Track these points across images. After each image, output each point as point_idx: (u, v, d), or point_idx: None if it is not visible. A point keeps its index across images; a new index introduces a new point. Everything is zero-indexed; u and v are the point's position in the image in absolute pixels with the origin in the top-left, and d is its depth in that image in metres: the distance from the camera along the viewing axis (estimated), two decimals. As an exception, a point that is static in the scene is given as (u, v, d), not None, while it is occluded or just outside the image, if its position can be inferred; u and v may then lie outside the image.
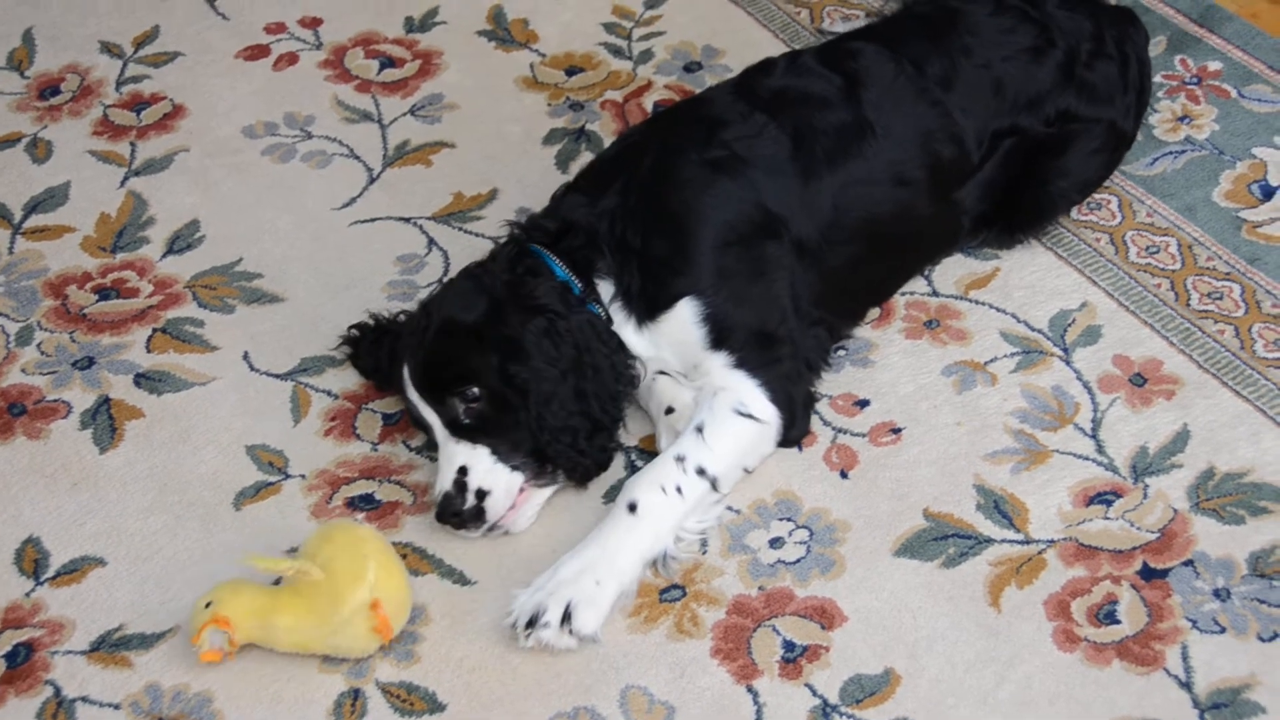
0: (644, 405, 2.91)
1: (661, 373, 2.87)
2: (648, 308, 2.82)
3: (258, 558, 2.57)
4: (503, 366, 2.70)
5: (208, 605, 2.55)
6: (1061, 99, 3.11)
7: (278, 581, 2.60)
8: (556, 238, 2.85)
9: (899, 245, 3.06)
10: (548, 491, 2.76)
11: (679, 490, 2.69)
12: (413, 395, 2.75)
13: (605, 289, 2.84)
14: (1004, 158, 3.08)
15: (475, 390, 2.69)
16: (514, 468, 2.71)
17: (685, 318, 2.79)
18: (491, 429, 2.70)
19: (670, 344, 2.83)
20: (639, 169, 2.88)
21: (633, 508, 2.67)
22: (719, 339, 2.79)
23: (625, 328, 2.84)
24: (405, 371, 2.76)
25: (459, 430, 2.71)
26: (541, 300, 2.74)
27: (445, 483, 2.70)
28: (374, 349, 2.95)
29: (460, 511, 2.67)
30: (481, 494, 2.68)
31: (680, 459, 2.72)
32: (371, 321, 2.99)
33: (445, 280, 3.00)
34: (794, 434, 2.84)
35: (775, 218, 2.85)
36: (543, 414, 2.70)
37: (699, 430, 2.75)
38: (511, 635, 2.58)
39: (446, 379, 2.71)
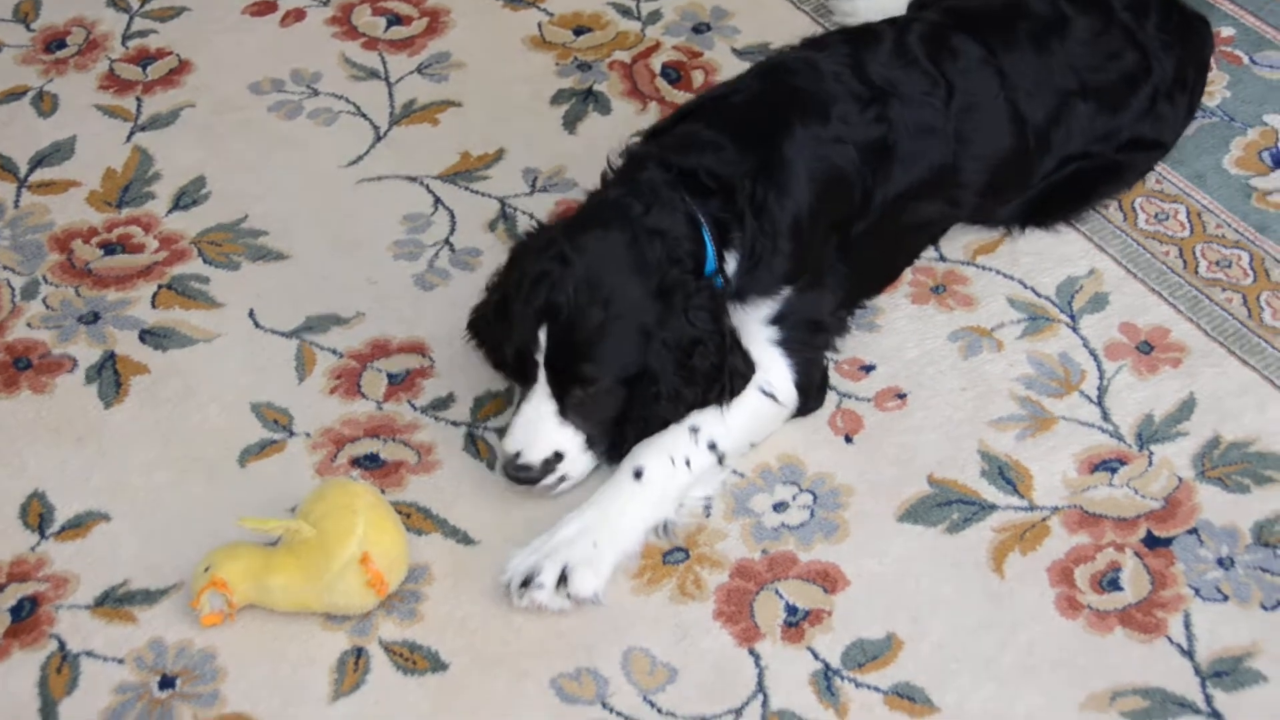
0: None
1: None
2: (762, 288, 2.74)
3: (250, 518, 2.57)
4: (648, 369, 2.62)
5: (206, 569, 2.56)
6: (1138, 128, 3.09)
7: (277, 542, 2.61)
8: (707, 194, 2.71)
9: (927, 243, 3.09)
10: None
11: (687, 463, 2.69)
12: (539, 356, 2.61)
13: (731, 264, 2.74)
14: (1064, 182, 3.06)
15: (606, 383, 2.62)
16: (592, 455, 2.68)
17: (778, 300, 2.77)
18: (593, 416, 2.65)
19: (741, 319, 2.77)
20: (771, 138, 2.78)
21: (638, 474, 2.66)
22: (779, 318, 2.78)
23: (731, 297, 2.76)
24: (543, 332, 2.59)
25: (566, 410, 2.63)
26: (706, 319, 2.63)
27: (534, 456, 2.63)
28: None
29: (535, 482, 2.65)
30: (563, 480, 2.67)
31: (694, 430, 2.71)
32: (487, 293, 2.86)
33: (598, 220, 2.69)
34: (805, 412, 2.84)
35: (853, 211, 2.84)
36: (648, 418, 2.67)
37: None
38: (506, 594, 2.58)
39: (589, 374, 2.60)
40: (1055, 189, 3.08)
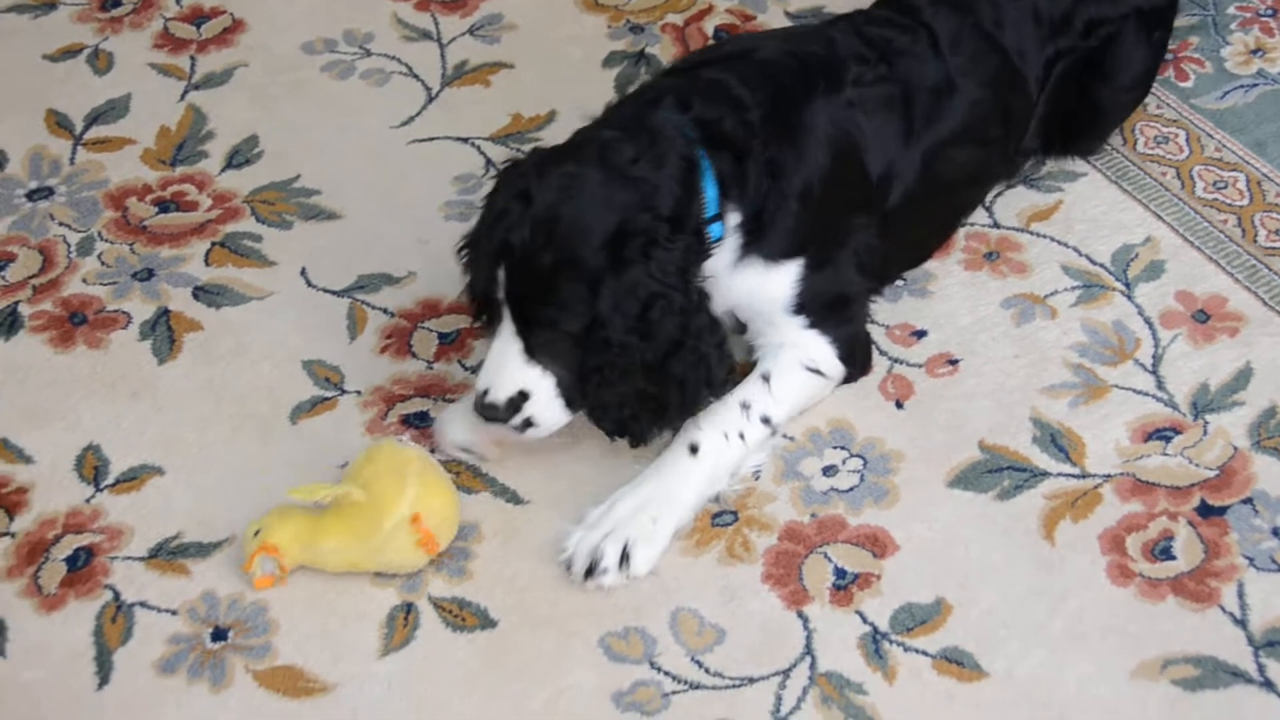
0: None
1: None
2: (768, 251, 2.69)
3: (297, 489, 2.57)
4: (600, 317, 2.52)
5: (256, 533, 2.57)
6: (1085, 8, 3.03)
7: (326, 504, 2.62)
8: (717, 141, 2.63)
9: (963, 205, 3.04)
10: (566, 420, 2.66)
11: (741, 436, 2.68)
12: (500, 295, 2.57)
13: (731, 219, 2.66)
14: (1055, 86, 3.03)
15: (569, 328, 2.55)
16: (568, 404, 2.61)
17: (789, 277, 2.73)
18: (564, 361, 2.58)
19: (747, 292, 2.74)
20: (793, 101, 2.74)
21: (694, 449, 2.65)
22: (802, 305, 2.74)
23: (726, 258, 2.68)
24: (501, 270, 2.54)
25: (532, 350, 2.58)
26: (670, 273, 2.52)
27: (499, 395, 2.58)
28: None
29: (504, 421, 2.59)
30: (529, 424, 2.61)
31: (745, 406, 2.70)
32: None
33: (585, 146, 2.61)
34: (852, 380, 2.84)
35: (873, 187, 2.81)
36: (602, 373, 2.56)
37: (765, 379, 2.73)
38: (565, 571, 2.59)
39: (541, 316, 2.55)
40: (1055, 97, 3.03)
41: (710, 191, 2.61)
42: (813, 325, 2.75)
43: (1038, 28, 3.00)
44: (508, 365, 2.58)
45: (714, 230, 2.63)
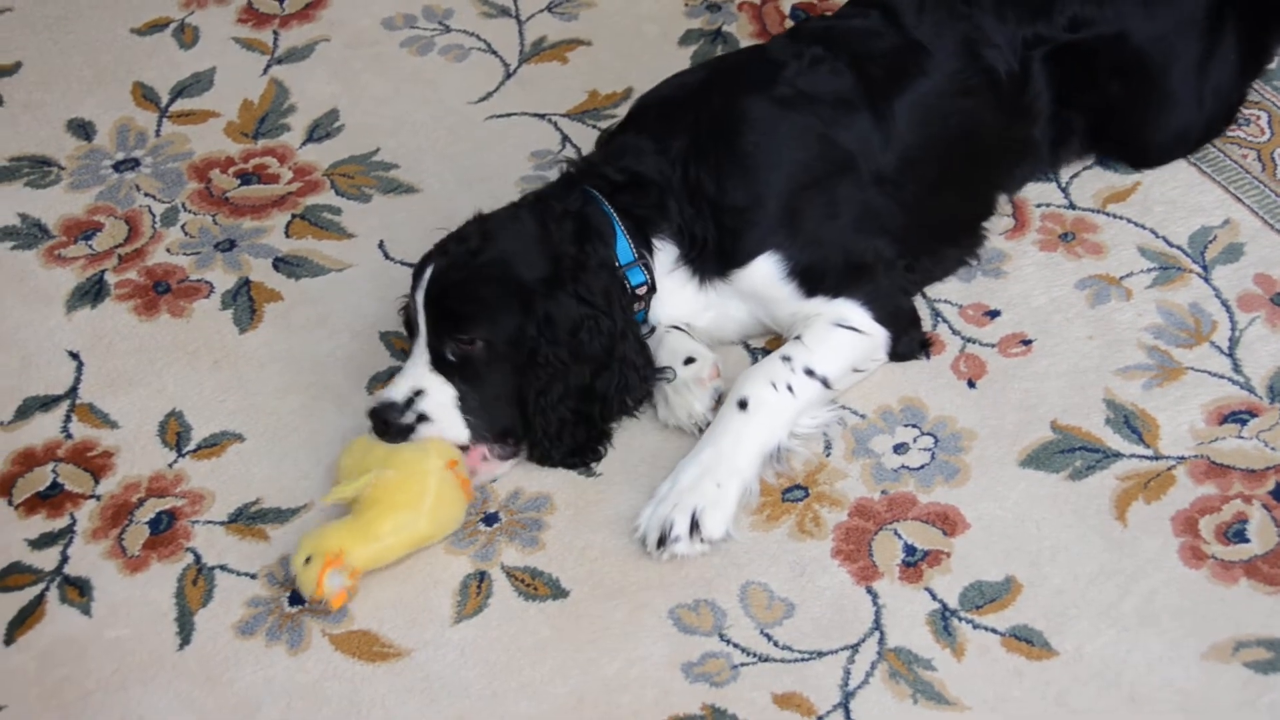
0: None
1: (675, 327, 2.83)
2: (723, 261, 2.76)
3: (328, 495, 2.59)
4: (528, 334, 2.62)
5: (307, 559, 2.54)
6: (1071, 4, 2.97)
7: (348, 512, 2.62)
8: (618, 189, 2.76)
9: (974, 164, 2.97)
10: (508, 465, 2.71)
11: (790, 389, 2.69)
12: (419, 299, 2.67)
13: (665, 253, 2.77)
14: (1048, 68, 2.96)
15: (481, 342, 2.62)
16: (469, 424, 2.64)
17: (769, 273, 2.76)
18: (472, 378, 2.63)
19: (751, 300, 2.80)
20: (708, 108, 2.82)
21: (743, 404, 2.68)
22: (811, 288, 2.77)
23: (685, 288, 2.79)
24: (428, 273, 2.67)
25: (440, 362, 2.64)
26: (597, 297, 2.66)
27: (395, 394, 2.64)
28: None
29: (390, 421, 2.62)
30: (422, 418, 2.63)
31: (787, 359, 2.72)
32: None
33: (513, 205, 2.81)
34: (902, 347, 2.82)
35: (847, 154, 2.81)
36: (541, 397, 2.64)
37: (798, 338, 2.75)
38: (640, 547, 2.61)
39: (464, 316, 2.63)
40: (1057, 81, 2.97)
41: (620, 241, 2.72)
42: (835, 296, 2.77)
43: (1014, 4, 2.95)
44: (413, 371, 2.65)
45: (633, 275, 2.74)
